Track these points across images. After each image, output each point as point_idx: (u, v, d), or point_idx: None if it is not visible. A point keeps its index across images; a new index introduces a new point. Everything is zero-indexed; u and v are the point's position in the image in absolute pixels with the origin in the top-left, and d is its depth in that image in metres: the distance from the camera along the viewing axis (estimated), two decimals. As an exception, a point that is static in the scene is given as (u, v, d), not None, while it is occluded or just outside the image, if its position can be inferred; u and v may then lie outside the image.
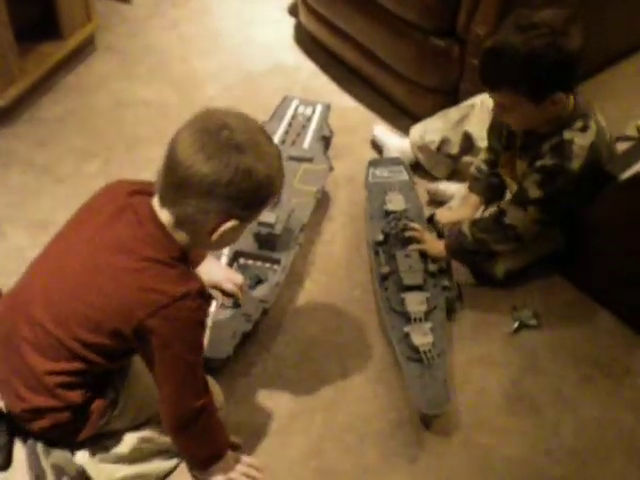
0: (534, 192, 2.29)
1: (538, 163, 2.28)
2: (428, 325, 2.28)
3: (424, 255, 2.46)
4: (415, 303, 2.32)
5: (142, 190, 1.84)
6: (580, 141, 2.24)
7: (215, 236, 1.73)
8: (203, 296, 1.79)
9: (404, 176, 2.79)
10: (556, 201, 2.31)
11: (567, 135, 2.24)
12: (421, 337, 2.24)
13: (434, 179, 2.89)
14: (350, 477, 2.09)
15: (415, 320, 2.29)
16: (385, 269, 2.43)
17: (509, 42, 2.12)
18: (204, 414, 1.87)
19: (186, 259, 1.81)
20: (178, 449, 2.00)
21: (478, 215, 2.57)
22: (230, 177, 1.63)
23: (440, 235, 2.58)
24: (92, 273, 1.77)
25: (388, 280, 2.42)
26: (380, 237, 2.52)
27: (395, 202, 2.64)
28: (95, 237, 1.79)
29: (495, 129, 2.50)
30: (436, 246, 2.49)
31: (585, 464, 2.13)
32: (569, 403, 2.26)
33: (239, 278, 2.28)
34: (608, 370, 2.35)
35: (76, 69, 3.38)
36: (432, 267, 2.43)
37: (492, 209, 2.49)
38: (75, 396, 1.84)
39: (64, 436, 1.93)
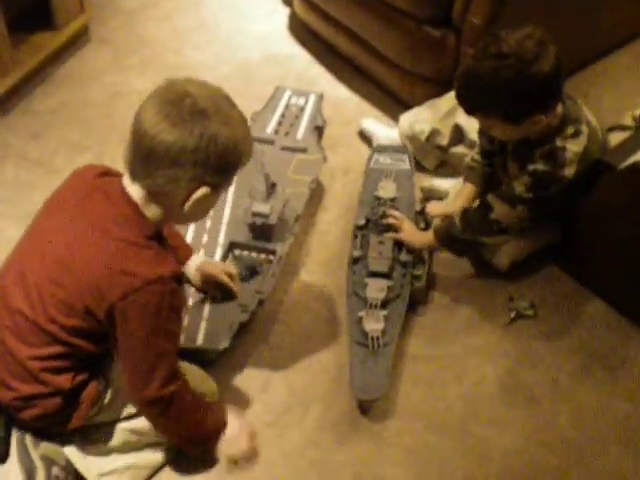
0: (523, 193, 2.28)
1: (530, 167, 2.26)
2: (383, 313, 2.29)
3: (399, 244, 2.45)
4: (375, 289, 2.34)
5: (110, 172, 1.88)
6: (573, 147, 2.23)
7: (188, 206, 1.74)
8: (177, 280, 1.77)
9: (405, 165, 2.78)
10: (544, 203, 2.31)
11: (559, 142, 2.23)
12: (373, 323, 2.25)
13: (424, 169, 2.88)
14: (346, 468, 2.08)
15: (371, 306, 2.30)
16: (357, 252, 2.45)
17: (478, 71, 2.12)
18: (175, 402, 1.85)
19: (160, 237, 1.81)
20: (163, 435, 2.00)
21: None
22: (196, 143, 1.63)
23: (427, 227, 2.57)
24: (66, 256, 1.76)
25: (358, 264, 2.43)
26: (362, 222, 2.54)
27: (386, 189, 2.64)
28: (67, 222, 1.80)
29: (486, 133, 2.49)
30: (415, 237, 2.48)
31: (581, 454, 2.13)
32: (565, 393, 2.26)
33: (233, 269, 2.29)
34: (604, 360, 2.34)
35: (69, 61, 3.37)
36: (405, 257, 2.43)
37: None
38: (63, 381, 1.82)
39: (55, 425, 1.91)
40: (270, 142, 2.73)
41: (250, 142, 1.79)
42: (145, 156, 1.67)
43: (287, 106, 2.90)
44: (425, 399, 2.22)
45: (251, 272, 2.36)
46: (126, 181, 1.77)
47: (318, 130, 2.83)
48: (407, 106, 3.02)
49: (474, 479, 2.07)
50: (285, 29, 3.65)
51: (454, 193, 2.67)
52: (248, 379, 2.27)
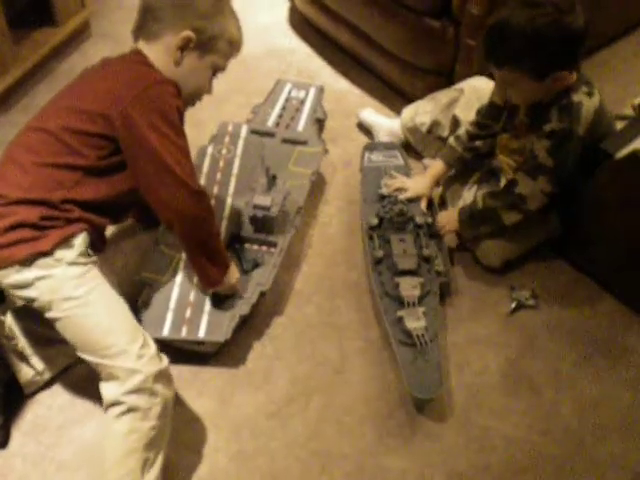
0: (545, 160, 2.28)
1: (547, 127, 2.26)
2: (421, 309, 2.27)
3: (418, 240, 2.46)
4: (409, 287, 2.32)
5: None
6: (588, 104, 2.23)
7: (178, 51, 2.03)
8: (177, 88, 2.03)
9: (399, 161, 2.79)
10: (564, 168, 2.30)
11: (575, 97, 2.23)
12: (414, 321, 2.24)
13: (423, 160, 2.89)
14: (349, 459, 2.09)
15: (408, 304, 2.28)
16: (379, 253, 2.42)
17: (513, 19, 2.11)
18: (205, 201, 2.05)
19: None
20: (191, 259, 2.16)
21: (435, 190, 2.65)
22: None
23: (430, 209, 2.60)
24: (87, 81, 2.07)
25: (382, 264, 2.42)
26: (375, 221, 2.52)
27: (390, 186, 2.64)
28: (86, 79, 2.09)
29: (494, 108, 2.49)
30: (418, 185, 2.56)
31: (583, 443, 2.13)
32: (567, 383, 2.26)
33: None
34: (606, 350, 2.35)
35: (71, 56, 3.38)
36: (427, 252, 2.42)
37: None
38: (54, 193, 1.90)
39: (20, 242, 1.88)
40: (271, 135, 2.74)
41: (237, 25, 2.16)
42: (142, 10, 2.06)
43: (288, 99, 2.90)
44: (427, 389, 2.22)
45: (253, 265, 2.36)
46: (135, 45, 2.09)
47: (319, 123, 2.83)
48: (408, 98, 3.03)
49: (477, 469, 2.08)
50: (285, 22, 3.66)
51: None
52: (250, 370, 2.27)
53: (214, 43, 2.08)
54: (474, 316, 2.42)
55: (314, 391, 2.23)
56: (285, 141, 2.72)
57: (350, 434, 2.14)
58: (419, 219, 2.51)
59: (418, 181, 2.59)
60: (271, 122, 2.80)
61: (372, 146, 2.86)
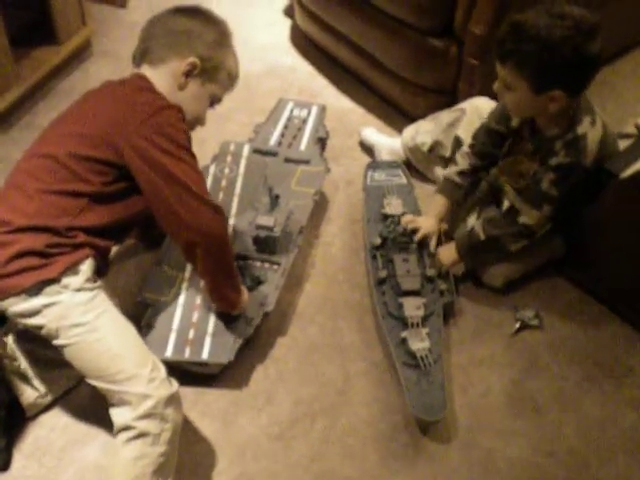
0: (549, 189, 2.28)
1: (553, 161, 2.26)
2: (425, 330, 2.27)
3: (422, 260, 2.45)
4: (412, 308, 2.31)
5: None
6: (592, 135, 2.23)
7: (183, 84, 2.09)
8: (182, 112, 2.05)
9: (402, 180, 2.79)
10: (569, 197, 2.30)
11: (580, 130, 2.23)
12: (418, 342, 2.23)
13: (424, 180, 2.89)
14: (352, 481, 2.08)
15: (412, 325, 2.28)
16: (382, 273, 2.42)
17: (533, 21, 2.10)
18: (224, 217, 2.04)
19: None
20: (211, 283, 2.14)
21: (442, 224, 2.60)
22: (192, 25, 2.11)
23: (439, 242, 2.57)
24: (91, 105, 2.07)
25: (385, 284, 2.41)
26: (378, 241, 2.51)
27: (393, 206, 2.63)
28: (90, 102, 2.10)
29: (494, 135, 2.48)
30: (427, 225, 2.52)
31: (588, 464, 2.12)
32: (571, 403, 2.26)
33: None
34: (610, 370, 2.34)
35: (72, 74, 3.38)
36: (430, 272, 2.42)
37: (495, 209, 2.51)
38: (60, 220, 1.90)
39: (28, 269, 1.86)
40: (273, 154, 2.73)
41: (236, 61, 2.23)
42: (146, 37, 2.12)
43: (290, 118, 2.90)
44: (431, 411, 2.20)
45: (256, 282, 2.35)
46: (137, 70, 2.12)
47: (321, 142, 2.83)
48: (410, 117, 3.03)
49: (481, 491, 2.07)
50: (287, 41, 3.66)
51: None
52: (253, 392, 2.26)
53: (216, 73, 2.14)
54: (477, 337, 2.42)
55: (317, 413, 2.22)
56: (287, 160, 2.71)
57: (353, 456, 2.13)
58: None
59: (427, 220, 2.55)
60: (273, 141, 2.80)
61: (375, 165, 2.86)
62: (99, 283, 1.96)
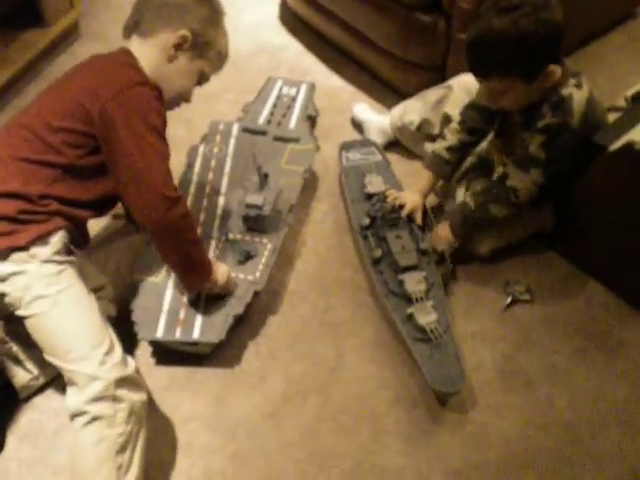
0: (536, 152, 2.26)
1: (540, 124, 2.24)
2: (430, 303, 2.27)
3: (413, 234, 2.45)
4: (414, 283, 2.31)
5: None
6: (578, 95, 2.21)
7: (172, 56, 2.08)
8: (159, 92, 2.06)
9: (377, 157, 2.80)
10: (557, 161, 2.28)
11: (565, 91, 2.21)
12: (425, 316, 2.23)
13: (413, 157, 2.88)
14: (346, 457, 2.08)
15: (416, 300, 2.28)
16: (377, 252, 2.41)
17: (495, 27, 2.08)
18: (180, 208, 1.98)
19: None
20: (167, 264, 2.19)
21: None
22: None
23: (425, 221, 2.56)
24: (71, 77, 2.07)
25: (381, 263, 2.41)
26: (367, 221, 2.50)
27: (375, 184, 2.63)
28: (71, 75, 2.09)
29: (484, 111, 2.47)
30: (413, 199, 2.52)
31: (581, 437, 2.13)
32: (563, 376, 2.26)
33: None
34: (601, 343, 2.34)
35: (61, 57, 3.36)
36: (424, 245, 2.42)
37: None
38: (33, 187, 1.90)
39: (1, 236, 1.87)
40: (262, 133, 2.73)
41: (226, 40, 2.21)
42: (140, 8, 2.09)
43: (279, 96, 2.90)
44: (423, 386, 2.20)
45: (245, 256, 2.35)
46: (126, 42, 2.11)
47: (310, 120, 2.82)
48: (400, 93, 3.03)
49: (474, 465, 2.07)
50: (276, 19, 3.65)
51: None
52: (246, 371, 2.27)
53: (206, 49, 2.13)
54: (469, 312, 2.42)
55: (310, 390, 2.22)
56: (277, 139, 2.71)
57: (347, 433, 2.13)
58: None
59: (411, 195, 2.54)
60: (262, 120, 2.79)
61: (348, 145, 2.85)
62: (70, 258, 1.95)
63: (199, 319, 2.20)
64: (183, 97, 2.20)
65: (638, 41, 3.45)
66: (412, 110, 2.76)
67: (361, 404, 2.19)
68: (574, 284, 2.49)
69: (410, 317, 2.25)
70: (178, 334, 2.17)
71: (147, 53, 2.07)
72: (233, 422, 2.15)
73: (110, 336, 1.93)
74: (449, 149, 2.50)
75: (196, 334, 2.17)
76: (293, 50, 3.46)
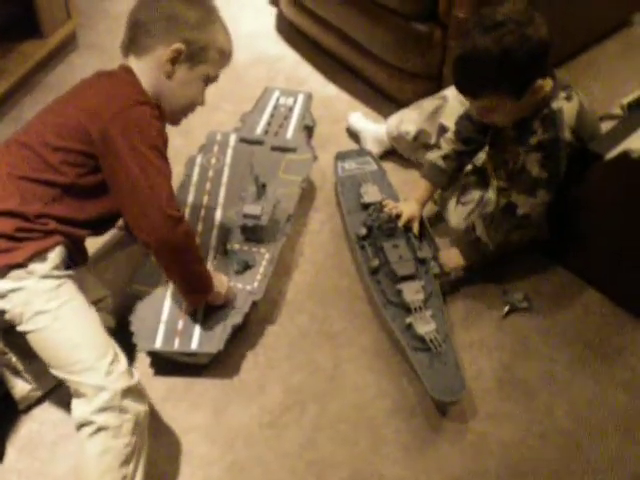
0: (539, 174, 2.27)
1: (532, 140, 2.25)
2: (428, 312, 2.27)
3: (410, 244, 2.45)
4: (412, 292, 2.31)
5: None
6: (568, 108, 2.22)
7: (168, 64, 2.02)
8: (160, 110, 2.04)
9: (373, 166, 2.80)
10: (557, 176, 2.29)
11: (555, 105, 2.22)
12: (424, 325, 2.23)
13: (409, 166, 2.89)
14: (344, 467, 2.08)
15: (415, 310, 2.28)
16: (374, 262, 2.41)
17: (480, 46, 2.09)
18: (183, 227, 1.98)
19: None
20: (170, 279, 2.17)
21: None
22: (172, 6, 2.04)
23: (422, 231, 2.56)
24: (74, 96, 2.05)
25: (379, 273, 2.41)
26: (363, 231, 2.51)
27: (371, 193, 2.64)
28: (74, 93, 2.07)
29: (477, 123, 2.47)
30: (409, 209, 2.52)
31: (580, 445, 2.13)
32: (562, 385, 2.26)
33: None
34: (600, 350, 2.34)
35: (58, 68, 3.37)
36: (421, 254, 2.42)
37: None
38: (31, 206, 1.88)
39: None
40: (260, 143, 2.73)
41: (225, 35, 2.15)
42: (132, 26, 2.05)
43: (276, 106, 2.90)
44: (422, 395, 2.20)
45: (243, 266, 2.35)
46: (125, 61, 2.08)
47: (308, 129, 2.82)
48: (396, 103, 3.04)
49: (473, 474, 2.07)
50: (272, 29, 3.66)
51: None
52: (244, 381, 2.26)
53: (205, 53, 2.07)
54: (467, 321, 2.42)
55: (308, 400, 2.22)
56: (274, 149, 2.71)
57: (345, 442, 2.13)
58: None
59: (408, 205, 2.54)
60: (260, 130, 2.80)
61: (343, 155, 2.86)
62: (69, 272, 1.94)
63: (197, 330, 2.19)
64: (195, 104, 2.16)
65: (634, 49, 3.46)
66: (408, 120, 2.76)
67: (359, 413, 2.19)
68: (572, 292, 2.49)
69: (409, 326, 2.25)
70: (177, 345, 2.16)
71: (145, 71, 2.04)
72: (231, 432, 2.14)
73: (114, 346, 1.92)
74: (445, 157, 2.51)
75: (194, 345, 2.17)
76: (290, 60, 3.47)
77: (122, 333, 2.15)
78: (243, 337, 2.35)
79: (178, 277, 2.11)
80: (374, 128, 2.93)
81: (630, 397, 2.23)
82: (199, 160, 2.68)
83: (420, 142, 2.75)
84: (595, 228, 2.39)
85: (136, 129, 1.91)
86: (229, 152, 2.70)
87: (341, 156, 2.84)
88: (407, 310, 2.29)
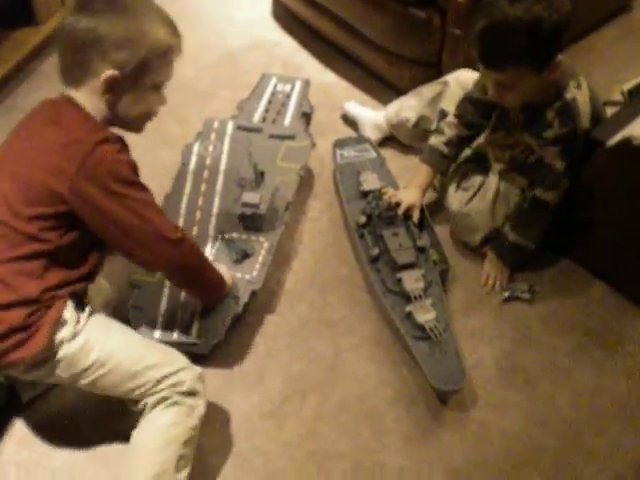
0: (560, 165, 2.27)
1: (549, 134, 2.25)
2: (428, 301, 2.27)
3: (410, 232, 2.44)
4: (412, 281, 2.30)
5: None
6: (581, 98, 2.22)
7: (107, 92, 1.82)
8: (121, 140, 1.87)
9: (372, 154, 2.79)
10: (574, 164, 2.29)
11: (568, 95, 2.21)
12: (424, 314, 2.22)
13: (409, 153, 2.88)
14: (346, 457, 2.07)
15: (415, 298, 2.27)
16: (374, 251, 2.40)
17: (510, 15, 2.06)
18: (187, 244, 1.97)
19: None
20: (186, 292, 2.20)
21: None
22: (90, 24, 1.77)
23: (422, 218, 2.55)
24: (23, 150, 1.86)
25: (379, 261, 2.39)
26: (363, 219, 2.49)
27: (370, 181, 2.62)
28: (24, 134, 1.90)
29: (478, 104, 2.46)
30: (410, 197, 2.51)
31: (581, 433, 2.12)
32: (563, 373, 2.25)
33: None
34: (601, 339, 2.33)
35: (53, 55, 3.27)
36: (421, 242, 2.41)
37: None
38: (29, 287, 1.81)
39: (11, 349, 1.79)
40: (257, 130, 2.71)
41: (165, 26, 1.86)
42: (60, 54, 1.84)
43: (273, 93, 2.88)
44: (423, 384, 2.20)
45: (242, 255, 2.34)
46: (68, 92, 1.87)
47: (305, 116, 2.81)
48: (395, 89, 3.02)
49: (474, 464, 2.06)
50: (269, 16, 3.63)
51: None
52: (244, 371, 2.25)
53: (146, 65, 1.83)
54: (467, 309, 2.41)
55: (309, 389, 2.21)
56: (272, 136, 2.70)
57: (346, 432, 2.12)
58: None
59: (408, 193, 2.53)
60: (257, 117, 2.78)
61: (342, 142, 2.84)
62: (86, 313, 1.91)
63: (197, 320, 2.19)
64: (154, 110, 1.97)
65: (634, 34, 3.44)
66: (408, 107, 2.75)
67: (360, 403, 2.18)
68: (573, 280, 2.48)
69: (409, 315, 2.24)
70: (176, 335, 2.15)
71: (87, 102, 1.84)
72: (232, 422, 2.14)
73: (162, 348, 2.00)
74: (447, 143, 2.50)
75: (194, 335, 2.16)
76: (287, 46, 3.45)
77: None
78: (243, 326, 2.34)
79: (194, 287, 2.14)
80: (372, 115, 2.92)
81: (631, 385, 2.22)
82: (196, 148, 2.66)
83: (421, 128, 2.74)
84: (597, 216, 2.38)
85: (105, 174, 1.79)
86: (227, 140, 2.69)
87: (340, 143, 2.82)
88: (407, 299, 2.28)
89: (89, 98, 1.84)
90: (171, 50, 1.87)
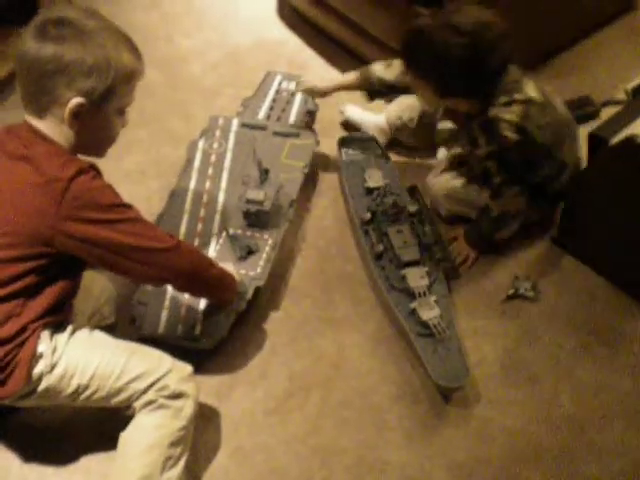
0: (497, 179, 2.33)
1: (481, 151, 2.30)
2: (432, 298, 2.27)
3: (415, 229, 2.45)
4: (416, 278, 2.31)
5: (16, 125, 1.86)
6: (506, 116, 2.23)
7: (73, 120, 1.75)
8: (94, 168, 1.82)
9: (377, 151, 2.80)
10: (515, 173, 2.33)
11: (491, 113, 2.24)
12: (428, 311, 2.23)
13: (413, 154, 2.88)
14: (348, 453, 2.08)
15: (419, 295, 2.27)
16: (379, 248, 2.40)
17: (431, 35, 2.14)
18: (184, 248, 1.95)
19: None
20: (201, 296, 2.20)
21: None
22: (53, 52, 1.69)
23: (419, 202, 2.56)
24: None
25: (383, 258, 2.40)
26: (368, 216, 2.50)
27: (375, 178, 2.63)
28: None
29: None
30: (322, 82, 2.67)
31: (584, 431, 2.12)
32: (566, 371, 2.25)
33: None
34: (604, 337, 2.33)
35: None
36: (425, 240, 2.42)
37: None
38: (7, 328, 1.77)
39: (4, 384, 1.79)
40: (262, 128, 2.72)
41: (133, 57, 1.81)
42: (21, 82, 1.78)
43: (278, 91, 2.89)
44: (426, 381, 2.20)
45: (247, 252, 2.34)
46: (30, 120, 1.79)
47: (310, 114, 2.81)
48: (399, 87, 3.02)
49: (477, 460, 2.07)
50: (274, 14, 3.63)
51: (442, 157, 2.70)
52: (248, 367, 2.26)
53: (110, 93, 1.78)
54: (471, 307, 2.41)
55: (312, 386, 2.22)
56: (277, 134, 2.70)
57: (349, 428, 2.13)
58: (411, 207, 2.51)
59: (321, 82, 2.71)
60: (262, 115, 2.79)
61: (347, 139, 2.85)
62: (68, 330, 1.89)
63: (201, 316, 2.19)
64: (116, 133, 1.92)
65: (637, 34, 3.43)
66: (408, 107, 2.75)
67: (363, 399, 2.19)
68: (577, 278, 2.48)
69: (413, 312, 2.24)
70: (180, 331, 2.16)
71: (53, 132, 1.78)
72: (235, 418, 2.14)
73: (150, 351, 1.98)
74: (381, 80, 2.59)
75: (198, 331, 2.17)
76: (292, 44, 3.45)
77: (125, 319, 2.14)
78: (246, 323, 2.34)
79: (209, 290, 2.13)
80: (375, 119, 2.90)
81: (635, 383, 2.22)
82: (201, 145, 2.66)
83: (425, 122, 2.74)
84: (600, 214, 2.38)
85: (85, 207, 1.74)
86: (231, 137, 2.69)
87: (345, 141, 2.82)
88: (411, 296, 2.28)
89: (55, 126, 1.77)
90: (135, 75, 1.84)
